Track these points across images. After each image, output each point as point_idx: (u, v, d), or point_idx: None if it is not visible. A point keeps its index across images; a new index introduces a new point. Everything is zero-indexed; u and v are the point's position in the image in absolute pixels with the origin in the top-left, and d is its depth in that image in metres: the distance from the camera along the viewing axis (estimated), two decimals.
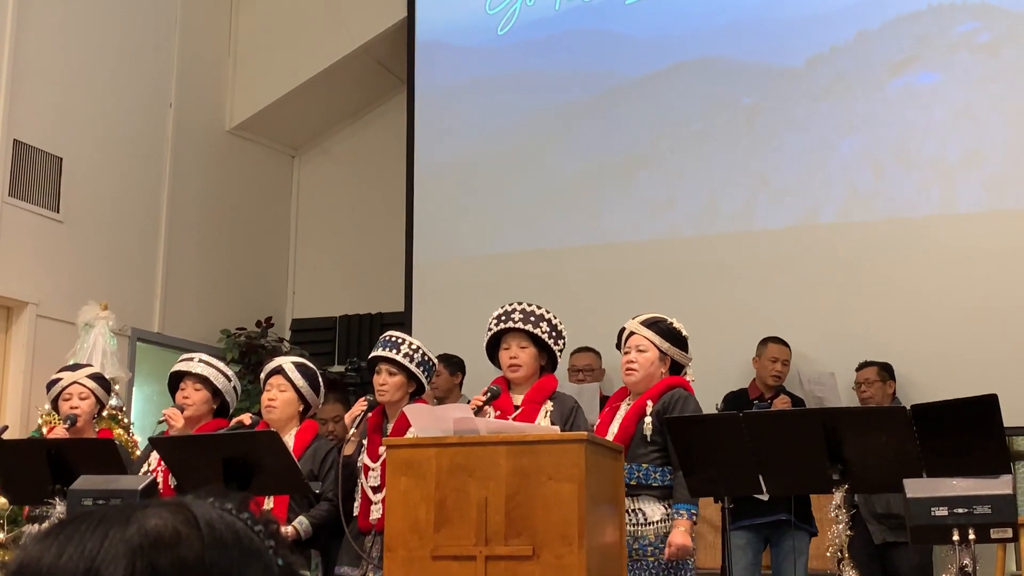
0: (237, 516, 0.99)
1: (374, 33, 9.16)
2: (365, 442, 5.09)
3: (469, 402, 4.87)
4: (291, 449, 4.94)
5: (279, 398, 5.17)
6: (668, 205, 7.63)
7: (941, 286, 6.89)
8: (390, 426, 5.04)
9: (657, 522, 4.59)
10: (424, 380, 5.13)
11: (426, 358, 5.12)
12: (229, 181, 9.21)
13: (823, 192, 7.27)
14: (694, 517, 4.58)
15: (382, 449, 4.89)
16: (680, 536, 4.50)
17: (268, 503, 4.92)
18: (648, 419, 4.66)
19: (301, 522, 4.92)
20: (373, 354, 5.16)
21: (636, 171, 7.74)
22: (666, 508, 4.61)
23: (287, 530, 4.84)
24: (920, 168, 7.08)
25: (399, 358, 5.04)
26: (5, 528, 5.89)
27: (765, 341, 6.71)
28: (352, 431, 5.06)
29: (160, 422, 5.54)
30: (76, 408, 5.66)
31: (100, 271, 7.92)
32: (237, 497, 1.01)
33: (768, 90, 7.51)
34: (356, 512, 4.98)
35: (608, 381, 7.25)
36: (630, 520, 4.59)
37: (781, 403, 6.29)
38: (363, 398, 5.14)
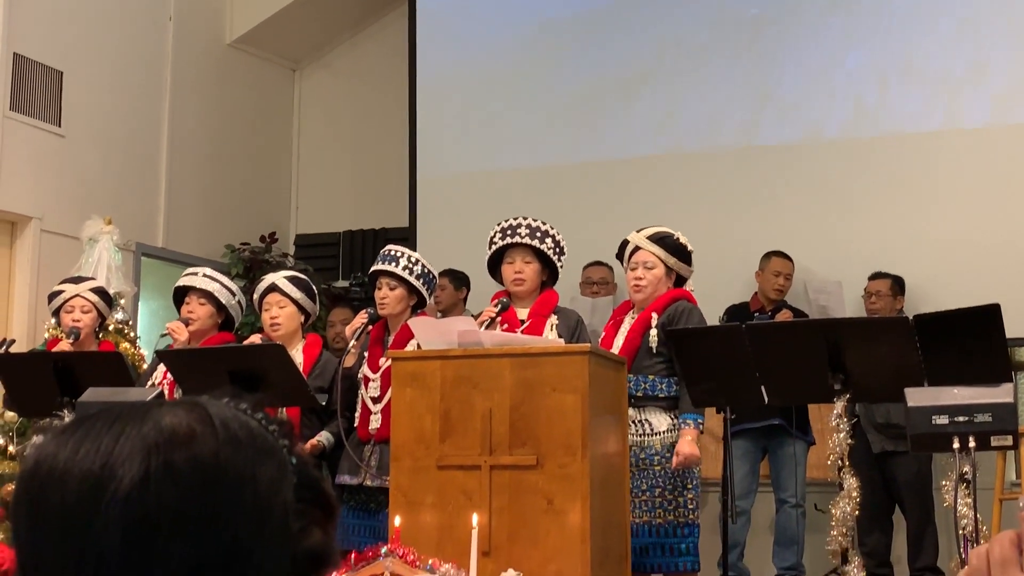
0: (251, 416, 1.00)
1: None
2: (366, 354, 5.13)
3: (474, 317, 4.90)
4: (300, 365, 4.99)
5: (281, 315, 5.21)
6: (671, 120, 7.57)
7: (946, 201, 6.87)
8: (391, 338, 5.07)
9: (663, 432, 4.65)
10: (425, 292, 5.15)
11: (426, 271, 5.14)
12: (230, 95, 9.15)
13: (828, 106, 7.21)
14: (700, 426, 4.63)
15: (382, 360, 4.93)
16: (687, 445, 4.55)
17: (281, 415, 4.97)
18: (653, 331, 4.70)
19: (325, 435, 5.01)
20: (373, 268, 5.18)
21: (640, 85, 7.67)
22: (672, 419, 4.66)
23: (313, 442, 4.94)
24: (925, 83, 7.02)
25: (399, 271, 5.06)
26: (15, 441, 5.95)
27: (768, 255, 6.70)
28: (352, 343, 5.10)
29: (163, 335, 5.56)
30: (78, 321, 5.68)
31: (103, 186, 7.90)
32: (252, 398, 1.02)
33: (774, 2, 7.42)
34: (356, 423, 5.04)
35: (621, 293, 7.26)
36: (637, 431, 4.64)
37: (783, 317, 6.32)
38: (364, 311, 5.18)
